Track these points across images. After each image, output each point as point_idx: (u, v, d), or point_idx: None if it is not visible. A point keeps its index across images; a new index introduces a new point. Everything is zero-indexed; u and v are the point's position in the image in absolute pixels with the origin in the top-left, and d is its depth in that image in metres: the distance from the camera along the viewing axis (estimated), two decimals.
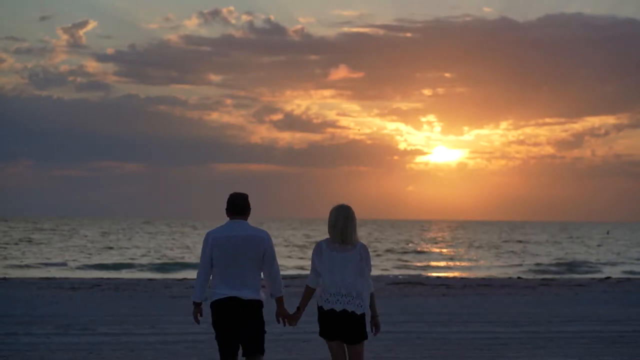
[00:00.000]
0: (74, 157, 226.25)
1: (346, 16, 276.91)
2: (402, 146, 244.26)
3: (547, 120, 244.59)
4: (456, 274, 44.49)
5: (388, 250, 69.72)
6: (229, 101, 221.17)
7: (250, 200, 8.31)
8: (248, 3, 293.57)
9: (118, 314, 18.33)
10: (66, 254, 57.68)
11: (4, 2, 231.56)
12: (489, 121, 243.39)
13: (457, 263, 56.45)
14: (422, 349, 13.65)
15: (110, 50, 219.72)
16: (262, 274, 8.20)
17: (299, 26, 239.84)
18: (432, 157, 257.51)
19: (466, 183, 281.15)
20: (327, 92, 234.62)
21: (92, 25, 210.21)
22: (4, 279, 30.49)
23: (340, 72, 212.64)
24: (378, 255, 61.78)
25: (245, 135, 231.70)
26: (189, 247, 69.76)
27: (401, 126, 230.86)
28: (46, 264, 46.81)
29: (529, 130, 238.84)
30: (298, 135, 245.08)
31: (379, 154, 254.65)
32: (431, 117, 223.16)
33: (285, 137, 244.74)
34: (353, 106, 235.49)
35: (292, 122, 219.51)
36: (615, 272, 45.11)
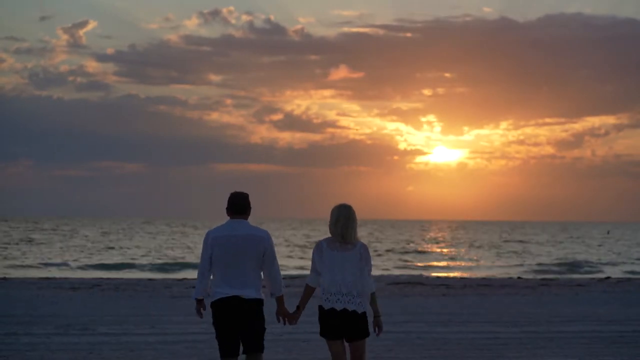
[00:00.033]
0: (74, 157, 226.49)
1: (346, 16, 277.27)
2: (402, 146, 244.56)
3: (547, 120, 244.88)
4: (457, 274, 44.48)
5: (389, 250, 69.73)
6: (229, 101, 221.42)
7: (250, 200, 8.31)
8: (248, 3, 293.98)
9: (118, 314, 18.33)
10: (66, 254, 57.69)
11: (4, 2, 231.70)
12: (489, 121, 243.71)
13: (458, 263, 56.45)
14: (422, 349, 13.65)
15: (110, 50, 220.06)
16: (262, 273, 8.22)
17: (299, 26, 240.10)
18: (432, 157, 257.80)
19: (466, 183, 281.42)
20: (327, 92, 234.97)
21: (92, 25, 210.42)
22: (4, 279, 30.48)
23: (340, 72, 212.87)
24: (379, 255, 61.79)
25: (245, 135, 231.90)
26: (189, 247, 69.76)
27: (401, 126, 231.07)
28: (46, 264, 46.81)
29: (529, 130, 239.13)
30: (298, 135, 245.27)
31: (379, 154, 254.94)
32: (431, 117, 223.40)
33: (285, 137, 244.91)
34: (353, 106, 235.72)
35: (292, 122, 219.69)
36: (617, 272, 45.12)
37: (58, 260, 50.10)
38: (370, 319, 8.14)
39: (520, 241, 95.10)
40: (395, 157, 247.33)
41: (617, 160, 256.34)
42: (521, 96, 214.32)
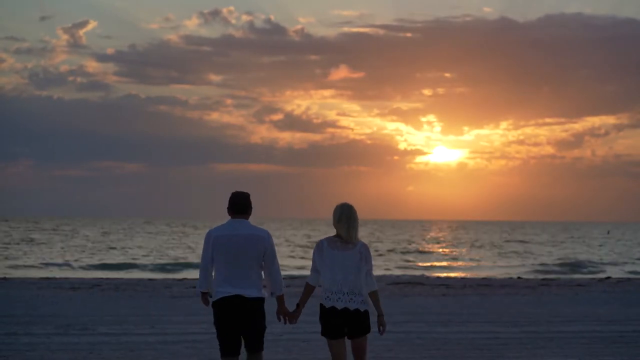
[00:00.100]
0: (74, 157, 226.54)
1: (346, 16, 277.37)
2: (402, 146, 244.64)
3: (547, 120, 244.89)
4: (457, 274, 44.46)
5: (390, 250, 69.76)
6: (229, 101, 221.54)
7: (251, 200, 8.33)
8: (248, 3, 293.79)
9: (118, 314, 18.33)
10: (67, 254, 57.70)
11: (4, 2, 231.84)
12: (489, 121, 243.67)
13: (460, 263, 56.44)
14: (422, 349, 13.65)
15: (110, 50, 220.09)
16: (263, 272, 8.24)
17: (299, 26, 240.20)
18: (432, 157, 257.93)
19: (466, 183, 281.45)
20: (327, 92, 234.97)
21: (92, 25, 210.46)
22: (4, 279, 30.48)
23: (341, 72, 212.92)
24: (380, 255, 61.81)
25: (246, 135, 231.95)
26: (190, 247, 69.77)
27: (401, 126, 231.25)
28: (47, 264, 46.81)
29: (529, 130, 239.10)
30: (298, 135, 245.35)
31: (379, 154, 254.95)
32: (431, 117, 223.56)
33: (286, 137, 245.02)
34: (353, 106, 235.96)
35: (292, 122, 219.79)
36: (619, 272, 45.12)
37: (59, 260, 50.11)
38: (372, 317, 8.17)
39: (521, 241, 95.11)
40: (395, 157, 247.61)
41: (617, 160, 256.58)
42: (521, 96, 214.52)
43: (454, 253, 69.02)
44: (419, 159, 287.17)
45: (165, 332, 15.25)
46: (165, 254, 59.76)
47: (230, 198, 8.26)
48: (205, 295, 8.33)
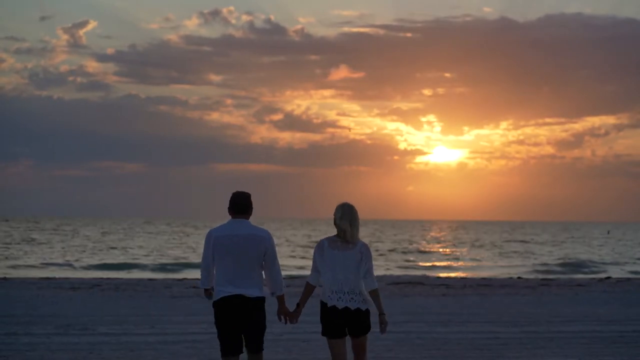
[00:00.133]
0: (74, 157, 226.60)
1: (346, 16, 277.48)
2: (402, 146, 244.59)
3: (547, 120, 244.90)
4: (457, 274, 44.45)
5: (391, 250, 69.75)
6: (229, 101, 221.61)
7: (252, 200, 8.33)
8: (248, 3, 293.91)
9: (118, 314, 18.33)
10: (67, 254, 57.71)
11: (4, 2, 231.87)
12: (489, 121, 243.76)
13: (461, 263, 56.42)
14: (422, 349, 13.65)
15: (110, 50, 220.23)
16: (263, 272, 8.25)
17: (299, 26, 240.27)
18: (432, 157, 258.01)
19: (466, 183, 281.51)
20: (327, 92, 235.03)
21: (92, 25, 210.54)
22: (4, 279, 30.48)
23: (341, 72, 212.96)
24: (381, 255, 61.81)
25: (246, 135, 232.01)
26: (191, 247, 69.78)
27: (401, 126, 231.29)
28: (47, 264, 46.82)
29: (529, 130, 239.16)
30: (298, 135, 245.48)
31: (379, 154, 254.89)
32: (431, 117, 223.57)
33: (286, 137, 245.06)
34: (353, 106, 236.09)
35: (292, 122, 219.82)
36: (619, 272, 45.11)
37: (59, 260, 50.12)
38: (373, 317, 8.18)
39: (521, 241, 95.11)
40: (395, 157, 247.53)
41: (617, 160, 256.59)
42: (521, 96, 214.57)
43: (455, 253, 69.02)
44: (419, 159, 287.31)
45: (165, 332, 15.24)
46: (166, 254, 59.77)
47: (231, 198, 8.27)
48: (208, 291, 8.35)
